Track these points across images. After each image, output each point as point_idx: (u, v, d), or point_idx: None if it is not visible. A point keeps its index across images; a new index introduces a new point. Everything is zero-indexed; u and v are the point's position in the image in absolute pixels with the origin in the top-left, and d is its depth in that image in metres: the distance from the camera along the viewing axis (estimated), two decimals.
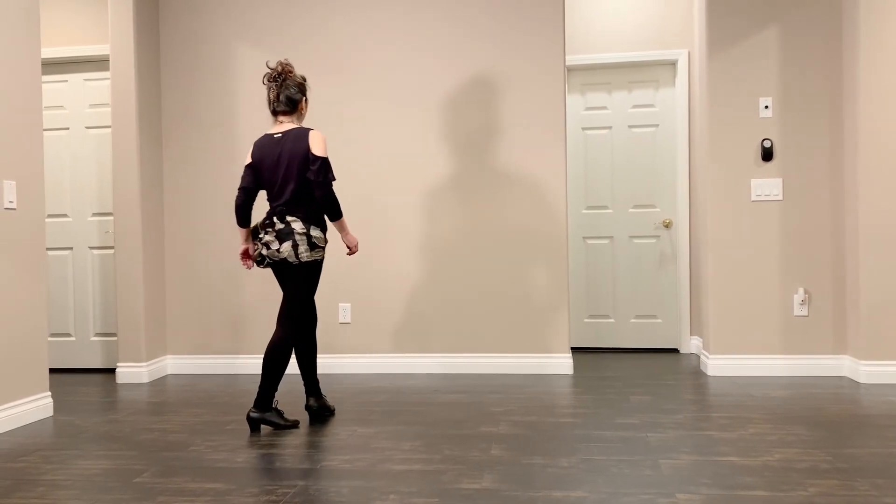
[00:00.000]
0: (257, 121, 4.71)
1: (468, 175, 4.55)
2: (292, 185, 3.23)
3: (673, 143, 5.23)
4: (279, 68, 3.30)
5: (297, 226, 3.22)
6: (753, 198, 4.30)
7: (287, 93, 3.29)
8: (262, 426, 3.35)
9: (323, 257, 3.32)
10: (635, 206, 5.30)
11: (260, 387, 3.26)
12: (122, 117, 4.50)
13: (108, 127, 4.93)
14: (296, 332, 3.30)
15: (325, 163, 3.22)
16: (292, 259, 3.22)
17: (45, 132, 4.99)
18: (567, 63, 5.23)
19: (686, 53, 5.11)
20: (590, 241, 5.38)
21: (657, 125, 5.25)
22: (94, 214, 4.96)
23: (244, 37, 4.72)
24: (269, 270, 4.71)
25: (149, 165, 4.62)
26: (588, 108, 5.34)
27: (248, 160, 3.34)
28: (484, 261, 4.55)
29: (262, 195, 4.61)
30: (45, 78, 4.99)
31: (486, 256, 4.54)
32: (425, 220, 4.59)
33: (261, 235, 3.30)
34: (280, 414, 3.30)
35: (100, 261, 4.95)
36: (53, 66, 4.98)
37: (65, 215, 4.98)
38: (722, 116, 4.33)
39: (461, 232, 4.56)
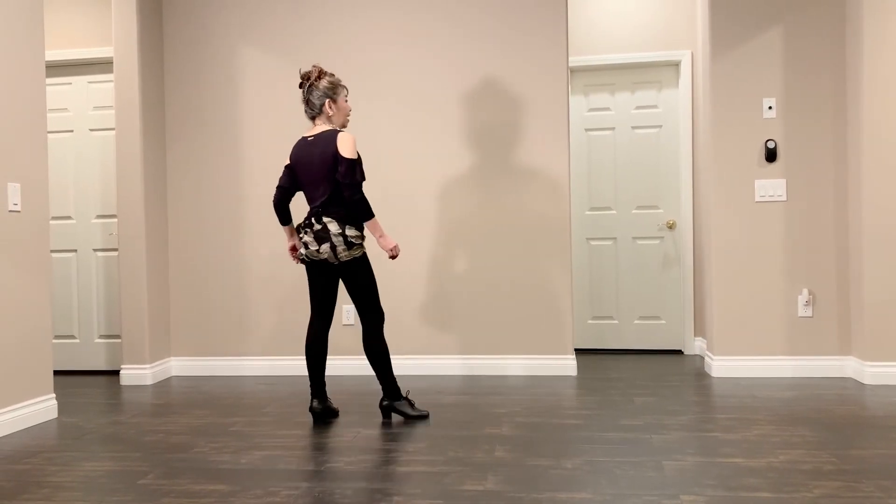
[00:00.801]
0: (261, 122, 4.71)
1: (469, 176, 4.55)
2: (325, 186, 3.33)
3: (676, 143, 5.23)
4: (305, 74, 3.42)
5: (333, 227, 3.30)
6: (757, 198, 4.29)
7: (310, 97, 3.40)
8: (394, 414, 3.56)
9: (364, 253, 3.39)
10: (639, 208, 5.29)
11: (381, 381, 3.44)
12: (126, 119, 4.51)
13: (112, 129, 4.95)
14: (379, 321, 3.44)
15: (352, 164, 3.26)
16: (332, 260, 3.33)
17: (49, 134, 5.00)
18: (570, 64, 5.23)
19: (689, 54, 5.11)
20: (593, 243, 5.37)
21: (660, 126, 5.25)
22: (98, 216, 4.97)
23: (247, 38, 4.73)
24: (272, 272, 4.71)
25: (152, 167, 4.63)
26: (591, 109, 5.34)
27: (288, 161, 3.48)
28: (486, 262, 4.55)
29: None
30: (48, 80, 5.00)
31: (489, 258, 4.54)
32: (426, 223, 4.59)
33: (301, 236, 3.40)
34: (411, 404, 3.48)
35: (104, 263, 4.96)
36: (57, 68, 4.99)
37: (69, 217, 4.99)
38: (725, 117, 4.32)
39: (463, 234, 4.56)
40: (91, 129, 4.96)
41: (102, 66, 4.95)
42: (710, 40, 4.33)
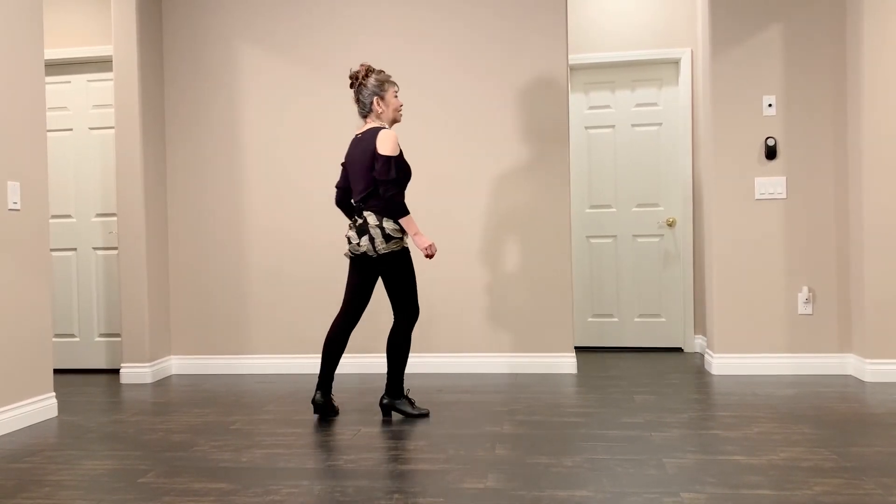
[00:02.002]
0: (261, 121, 4.71)
1: (468, 174, 4.54)
2: (365, 181, 3.37)
3: (676, 141, 5.22)
4: (353, 74, 3.44)
5: (371, 219, 3.34)
6: (757, 196, 4.29)
7: (360, 97, 3.44)
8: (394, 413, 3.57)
9: (402, 247, 3.38)
10: (639, 205, 5.29)
11: (387, 375, 3.47)
12: (126, 118, 4.50)
13: (112, 128, 4.94)
14: (411, 320, 3.43)
15: (388, 161, 3.28)
16: (371, 252, 3.34)
17: (48, 133, 5.00)
18: (570, 62, 5.22)
19: (689, 52, 5.10)
20: (593, 241, 5.37)
21: (660, 124, 5.25)
22: (98, 215, 4.96)
23: (247, 36, 4.72)
24: (272, 270, 4.71)
25: (152, 166, 4.63)
26: (591, 107, 5.34)
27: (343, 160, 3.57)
28: (485, 260, 4.54)
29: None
30: (48, 79, 4.99)
31: (488, 256, 4.54)
32: (424, 221, 4.59)
33: (347, 232, 3.44)
34: (411, 402, 3.49)
35: (104, 261, 4.96)
36: (57, 67, 4.99)
37: (69, 216, 4.99)
38: (725, 115, 4.32)
39: (461, 231, 4.56)
40: (91, 128, 4.96)
41: (102, 64, 4.95)
42: (710, 38, 4.33)
